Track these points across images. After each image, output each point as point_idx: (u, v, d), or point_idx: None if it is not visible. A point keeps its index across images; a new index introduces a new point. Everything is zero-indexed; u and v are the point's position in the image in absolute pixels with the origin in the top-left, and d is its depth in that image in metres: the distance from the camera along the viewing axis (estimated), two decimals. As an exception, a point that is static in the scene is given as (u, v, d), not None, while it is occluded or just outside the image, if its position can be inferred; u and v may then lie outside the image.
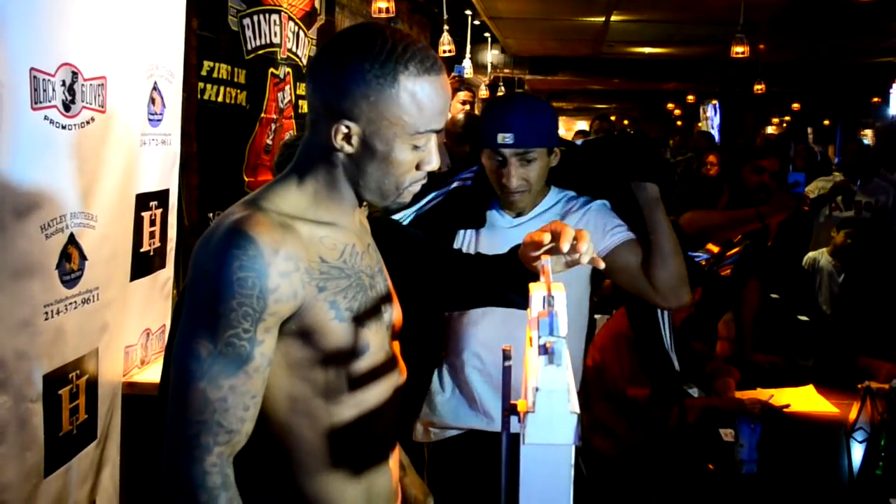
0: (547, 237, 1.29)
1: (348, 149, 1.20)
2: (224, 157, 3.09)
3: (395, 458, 1.40)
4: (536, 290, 1.08)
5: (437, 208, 2.11)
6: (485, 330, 2.03)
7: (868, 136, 12.69)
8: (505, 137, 1.93)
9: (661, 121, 19.67)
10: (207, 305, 1.13)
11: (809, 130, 17.03)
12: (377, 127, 1.19)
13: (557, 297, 0.99)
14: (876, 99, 14.61)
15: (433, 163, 1.25)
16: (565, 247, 1.25)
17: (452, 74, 4.59)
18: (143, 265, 2.44)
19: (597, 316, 3.41)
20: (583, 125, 14.88)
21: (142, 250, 2.43)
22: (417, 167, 1.24)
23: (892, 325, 3.50)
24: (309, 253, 1.19)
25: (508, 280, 1.45)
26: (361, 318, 1.24)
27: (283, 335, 1.19)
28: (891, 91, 12.98)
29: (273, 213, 1.19)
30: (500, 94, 12.33)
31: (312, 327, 1.19)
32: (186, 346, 1.14)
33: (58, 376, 1.97)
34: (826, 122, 16.45)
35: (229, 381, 1.13)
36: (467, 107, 5.32)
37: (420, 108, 1.19)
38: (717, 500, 1.98)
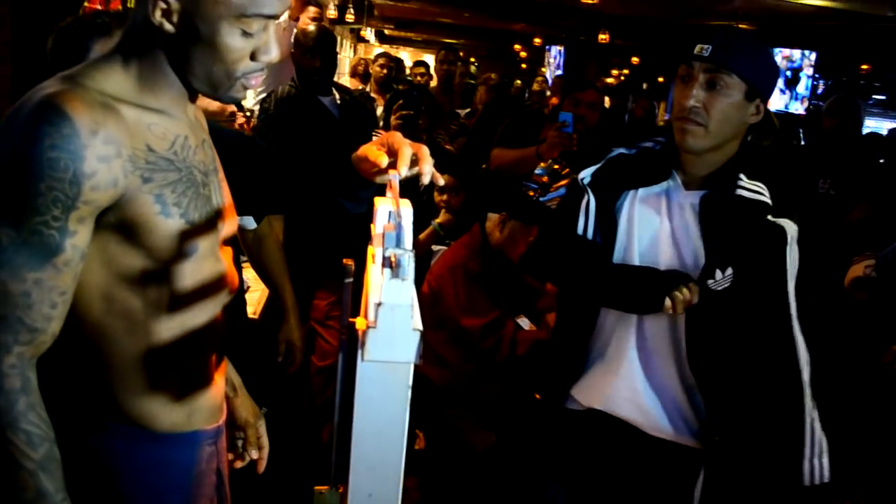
0: (384, 160, 1.23)
1: (168, 27, 1.09)
2: (42, 45, 2.79)
3: (222, 374, 1.32)
4: (382, 205, 1.03)
5: (620, 161, 1.89)
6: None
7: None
8: (703, 49, 1.71)
9: (508, 62, 19.90)
10: (10, 188, 1.01)
11: (644, 85, 17.78)
12: (198, 4, 1.07)
13: (404, 212, 0.94)
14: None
15: (272, 53, 1.14)
16: (404, 171, 1.19)
17: (308, -17, 4.39)
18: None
19: (434, 247, 3.42)
20: (429, 58, 14.83)
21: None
22: (253, 57, 1.13)
23: None
24: (134, 140, 1.08)
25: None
26: (190, 216, 1.15)
27: (100, 228, 1.08)
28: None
29: (94, 92, 1.07)
30: (348, 17, 11.99)
31: (134, 221, 1.09)
32: None
33: None
34: (660, 79, 17.19)
35: (34, 273, 1.02)
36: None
37: None
38: (543, 431, 2.03)
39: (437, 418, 2.75)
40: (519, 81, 11.76)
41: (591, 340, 1.91)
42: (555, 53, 17.08)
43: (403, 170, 1.19)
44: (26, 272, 1.02)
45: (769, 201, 1.75)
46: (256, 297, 2.74)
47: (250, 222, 2.32)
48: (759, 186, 1.77)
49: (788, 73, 12.44)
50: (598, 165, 1.91)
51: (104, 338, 1.14)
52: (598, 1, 7.03)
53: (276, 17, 1.13)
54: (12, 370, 1.03)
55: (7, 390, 1.02)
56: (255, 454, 1.49)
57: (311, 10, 5.34)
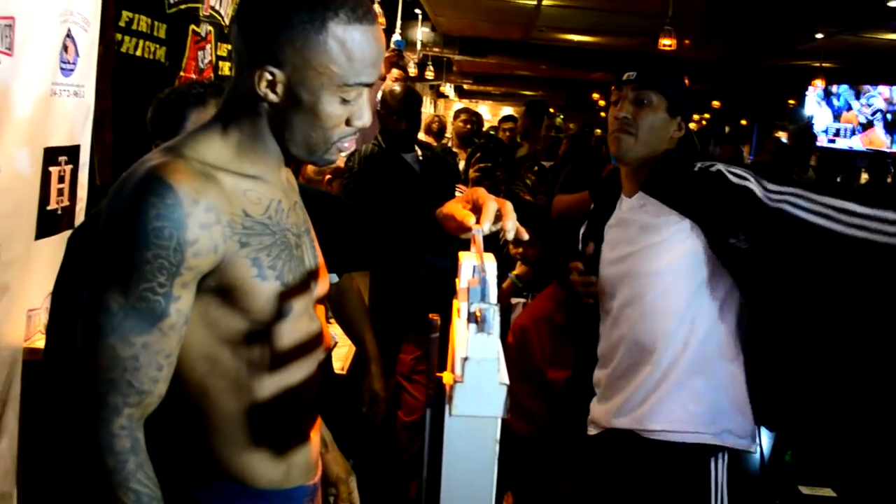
0: (471, 219, 1.25)
1: (272, 97, 1.14)
2: (141, 115, 2.94)
3: (317, 431, 1.34)
4: (466, 260, 1.04)
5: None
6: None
7: (783, 137, 13.13)
8: (630, 75, 1.96)
9: (587, 110, 19.90)
10: (120, 256, 1.06)
11: (727, 129, 17.49)
12: (303, 76, 1.12)
13: (489, 267, 0.95)
14: (792, 102, 15.08)
15: (364, 118, 1.18)
16: (487, 226, 1.21)
17: (391, 47, 4.48)
18: (49, 224, 2.30)
19: (514, 300, 3.40)
20: (508, 110, 14.94)
21: (48, 208, 2.29)
22: (348, 122, 1.18)
23: None
24: (232, 206, 1.12)
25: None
26: (285, 278, 1.18)
27: (201, 292, 1.12)
28: (806, 93, 13.42)
29: (194, 162, 1.12)
30: (427, 73, 12.24)
31: (233, 285, 1.13)
32: (96, 299, 1.07)
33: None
34: (743, 122, 16.90)
35: (142, 338, 1.06)
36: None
37: (350, 58, 1.12)
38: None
39: (526, 472, 2.71)
40: (599, 131, 11.73)
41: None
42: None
43: (487, 225, 1.21)
44: (134, 337, 1.06)
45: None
46: (344, 352, 2.77)
47: (333, 276, 2.37)
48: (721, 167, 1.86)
49: (889, 115, 12.06)
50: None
51: (206, 397, 1.17)
52: (675, 47, 6.98)
53: (371, 84, 1.18)
54: (122, 431, 1.06)
55: (117, 451, 1.06)
56: None
57: (395, 72, 5.51)
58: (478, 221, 1.23)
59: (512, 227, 1.24)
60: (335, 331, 2.65)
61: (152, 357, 1.07)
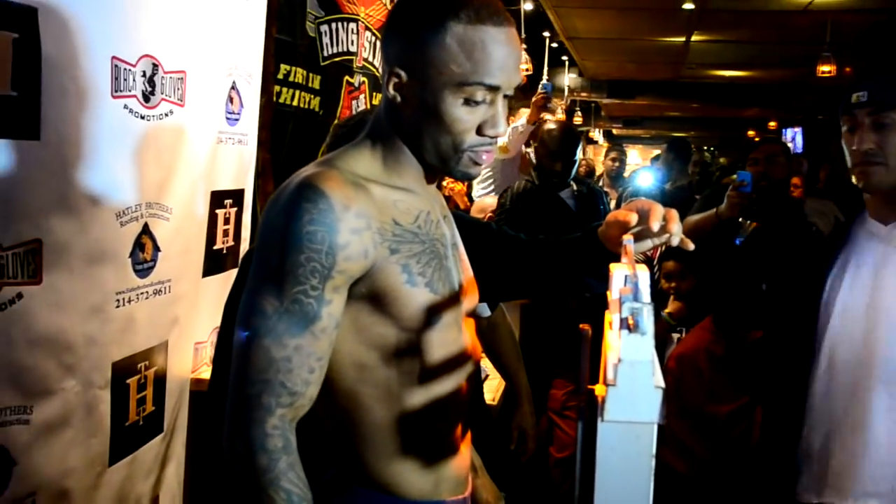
0: (634, 217, 1.23)
1: (399, 100, 1.16)
2: (298, 162, 3.08)
3: (467, 446, 1.33)
4: (618, 270, 1.01)
5: None
6: None
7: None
8: (860, 96, 1.75)
9: (742, 150, 19.22)
10: (275, 260, 1.10)
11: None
12: (426, 76, 1.14)
13: (641, 274, 0.91)
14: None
15: (498, 127, 1.17)
16: (655, 226, 1.18)
17: (540, 91, 4.51)
18: (215, 262, 2.44)
19: (674, 335, 3.29)
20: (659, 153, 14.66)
21: (215, 247, 2.43)
22: (480, 131, 1.17)
23: None
24: (382, 214, 1.15)
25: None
26: (434, 286, 1.18)
27: (352, 298, 1.14)
28: None
29: (347, 173, 1.16)
30: (576, 119, 12.23)
31: (383, 290, 1.14)
32: (251, 302, 1.11)
33: (126, 365, 1.97)
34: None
35: (295, 340, 1.09)
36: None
37: (469, 56, 1.12)
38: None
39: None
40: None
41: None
42: (791, 136, 16.27)
43: (655, 224, 1.19)
44: (288, 339, 1.09)
45: None
46: (495, 385, 2.76)
47: (484, 310, 2.37)
48: None
49: None
50: None
51: (357, 404, 1.18)
52: (835, 73, 6.63)
53: (499, 88, 1.15)
54: (275, 431, 1.08)
55: (270, 450, 1.07)
56: None
57: (546, 116, 5.55)
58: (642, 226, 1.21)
59: (678, 230, 1.21)
60: (485, 364, 2.64)
61: (304, 359, 1.09)
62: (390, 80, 1.16)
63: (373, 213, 1.13)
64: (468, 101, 1.14)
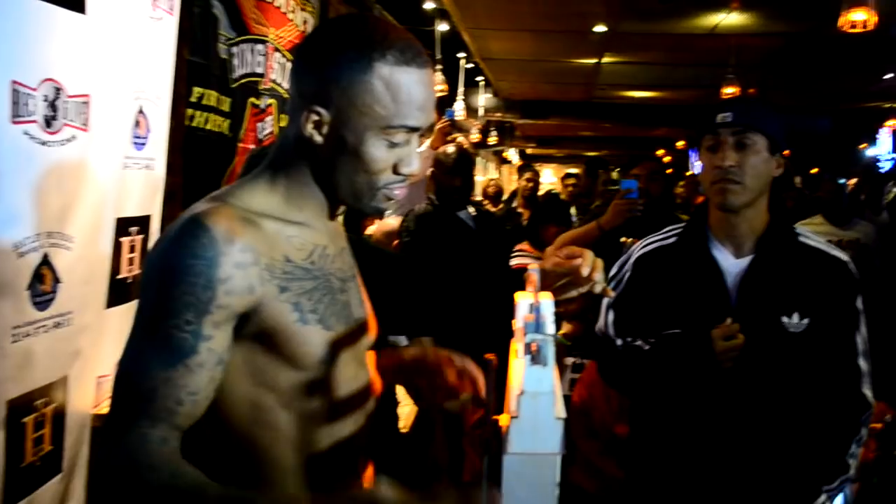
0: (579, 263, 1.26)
1: (318, 138, 1.15)
2: (209, 186, 3.02)
3: (369, 477, 1.32)
4: (523, 299, 1.03)
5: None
6: None
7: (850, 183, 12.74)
8: (725, 116, 1.84)
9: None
10: (153, 295, 1.08)
11: (797, 179, 17.10)
12: (347, 116, 1.13)
13: (544, 302, 0.93)
14: (864, 145, 14.70)
15: (413, 165, 1.18)
16: (585, 271, 1.21)
17: (443, 118, 4.58)
18: (120, 292, 2.37)
19: (566, 360, 3.31)
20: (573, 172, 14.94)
21: (119, 277, 2.36)
22: (395, 170, 1.18)
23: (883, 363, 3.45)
24: (272, 250, 1.13)
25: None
26: (328, 322, 1.17)
27: (244, 338, 1.12)
28: (877, 136, 13.09)
29: (238, 208, 1.14)
30: (491, 139, 12.37)
31: (274, 329, 1.13)
32: (131, 334, 1.10)
33: (23, 403, 1.88)
34: (813, 171, 16.54)
35: (165, 373, 1.05)
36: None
37: (395, 99, 1.13)
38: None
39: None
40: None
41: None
42: (697, 155, 16.81)
43: (586, 271, 1.23)
44: (156, 370, 1.05)
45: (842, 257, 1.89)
46: (406, 412, 2.76)
47: (402, 340, 2.36)
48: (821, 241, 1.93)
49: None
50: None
51: (254, 446, 1.16)
52: (738, 94, 6.90)
53: (418, 129, 1.17)
54: (143, 447, 1.03)
55: (138, 464, 1.02)
56: None
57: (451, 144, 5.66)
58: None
59: (601, 279, 1.25)
60: (400, 390, 2.64)
61: (172, 391, 1.05)
62: (308, 118, 1.14)
63: (262, 249, 1.11)
64: (389, 143, 1.15)
